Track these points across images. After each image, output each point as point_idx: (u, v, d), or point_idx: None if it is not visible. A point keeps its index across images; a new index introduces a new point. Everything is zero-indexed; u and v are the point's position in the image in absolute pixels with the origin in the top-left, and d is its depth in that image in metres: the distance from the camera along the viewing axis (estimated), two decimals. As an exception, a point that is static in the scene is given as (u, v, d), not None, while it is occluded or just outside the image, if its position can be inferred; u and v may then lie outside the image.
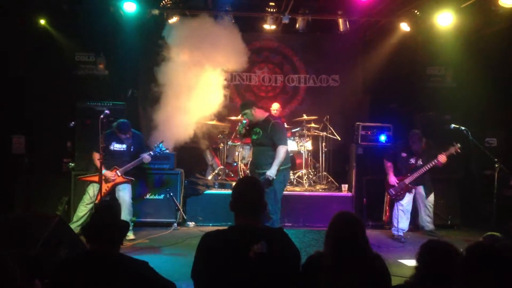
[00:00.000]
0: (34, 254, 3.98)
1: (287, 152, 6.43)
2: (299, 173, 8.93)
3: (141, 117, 9.27)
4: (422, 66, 9.40)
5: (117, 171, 6.85)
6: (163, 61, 8.10)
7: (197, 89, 8.29)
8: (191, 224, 7.89)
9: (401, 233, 7.28)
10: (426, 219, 7.43)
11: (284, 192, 7.95)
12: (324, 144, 9.14)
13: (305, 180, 8.80)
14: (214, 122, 8.83)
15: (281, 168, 6.25)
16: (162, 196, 7.87)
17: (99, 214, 3.03)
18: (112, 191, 6.87)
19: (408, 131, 7.43)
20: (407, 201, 7.27)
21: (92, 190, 6.82)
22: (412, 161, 7.28)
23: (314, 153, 9.31)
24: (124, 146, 6.99)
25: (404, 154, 7.37)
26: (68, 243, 4.37)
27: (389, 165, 7.40)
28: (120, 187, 6.94)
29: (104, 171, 6.55)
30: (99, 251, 2.80)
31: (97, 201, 6.56)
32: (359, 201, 8.17)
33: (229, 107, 9.46)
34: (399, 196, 7.25)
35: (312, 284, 2.70)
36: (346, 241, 2.65)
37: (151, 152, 7.01)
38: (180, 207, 7.78)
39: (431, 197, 7.44)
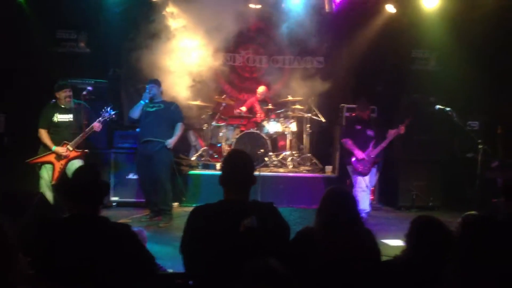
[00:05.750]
0: (17, 230, 3.92)
1: None
2: (283, 155, 8.91)
3: (123, 96, 9.12)
4: (407, 49, 9.38)
5: (68, 146, 6.40)
6: (147, 39, 7.98)
7: (181, 69, 8.22)
8: (175, 204, 7.82)
9: (364, 214, 6.88)
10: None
11: (268, 173, 8.07)
12: (308, 125, 9.12)
13: (289, 161, 8.79)
14: (198, 103, 8.74)
15: None
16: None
17: (79, 174, 2.99)
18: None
19: (393, 113, 7.44)
20: (368, 179, 7.17)
21: (46, 173, 6.40)
22: (369, 132, 7.19)
23: (299, 135, 9.30)
24: (69, 116, 6.52)
25: (358, 127, 7.28)
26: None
27: (350, 142, 7.21)
28: (72, 166, 6.36)
29: (54, 148, 6.33)
30: (80, 213, 2.76)
31: (54, 182, 6.31)
32: (342, 183, 8.18)
33: (212, 88, 9.41)
34: (367, 171, 7.11)
35: (302, 258, 2.68)
36: (338, 215, 2.64)
37: (101, 118, 6.53)
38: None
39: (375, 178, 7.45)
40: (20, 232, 3.78)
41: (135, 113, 6.99)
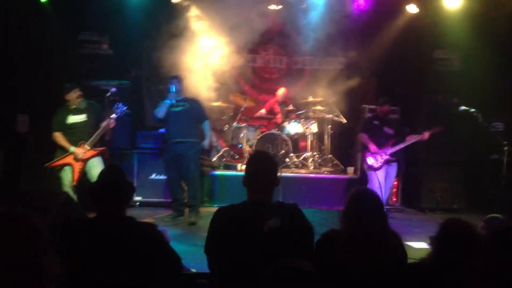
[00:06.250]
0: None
1: None
2: (305, 156, 8.89)
3: (145, 96, 9.21)
4: (429, 49, 9.25)
5: (85, 145, 6.37)
6: (168, 40, 8.03)
7: (202, 70, 8.27)
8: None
9: None
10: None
11: (290, 174, 8.04)
12: (329, 126, 9.08)
13: (311, 162, 8.76)
14: (219, 104, 8.78)
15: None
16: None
17: (105, 175, 3.02)
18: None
19: (415, 114, 7.36)
20: (382, 177, 7.11)
21: (66, 175, 6.40)
22: (387, 130, 7.22)
23: (320, 136, 9.26)
24: (83, 116, 6.51)
25: (376, 122, 7.35)
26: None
27: (365, 136, 7.27)
28: (91, 165, 6.43)
29: (72, 149, 6.34)
30: (106, 214, 2.79)
31: (75, 183, 6.33)
32: (364, 184, 8.10)
33: (233, 89, 9.44)
34: (379, 167, 7.08)
35: (326, 260, 2.67)
36: (364, 217, 2.62)
37: (114, 115, 6.50)
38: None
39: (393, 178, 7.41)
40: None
41: (161, 112, 6.94)
